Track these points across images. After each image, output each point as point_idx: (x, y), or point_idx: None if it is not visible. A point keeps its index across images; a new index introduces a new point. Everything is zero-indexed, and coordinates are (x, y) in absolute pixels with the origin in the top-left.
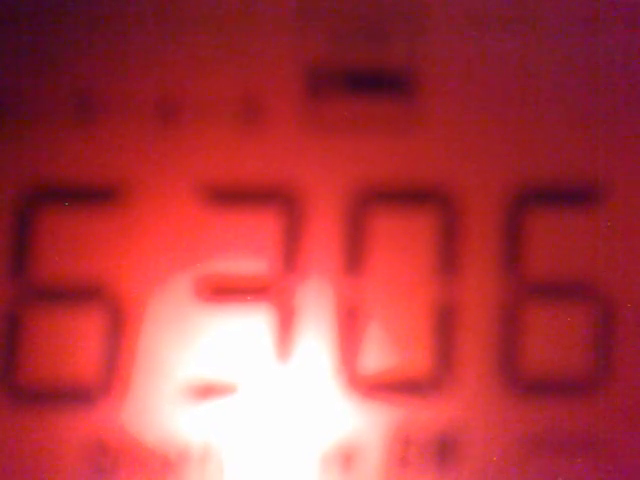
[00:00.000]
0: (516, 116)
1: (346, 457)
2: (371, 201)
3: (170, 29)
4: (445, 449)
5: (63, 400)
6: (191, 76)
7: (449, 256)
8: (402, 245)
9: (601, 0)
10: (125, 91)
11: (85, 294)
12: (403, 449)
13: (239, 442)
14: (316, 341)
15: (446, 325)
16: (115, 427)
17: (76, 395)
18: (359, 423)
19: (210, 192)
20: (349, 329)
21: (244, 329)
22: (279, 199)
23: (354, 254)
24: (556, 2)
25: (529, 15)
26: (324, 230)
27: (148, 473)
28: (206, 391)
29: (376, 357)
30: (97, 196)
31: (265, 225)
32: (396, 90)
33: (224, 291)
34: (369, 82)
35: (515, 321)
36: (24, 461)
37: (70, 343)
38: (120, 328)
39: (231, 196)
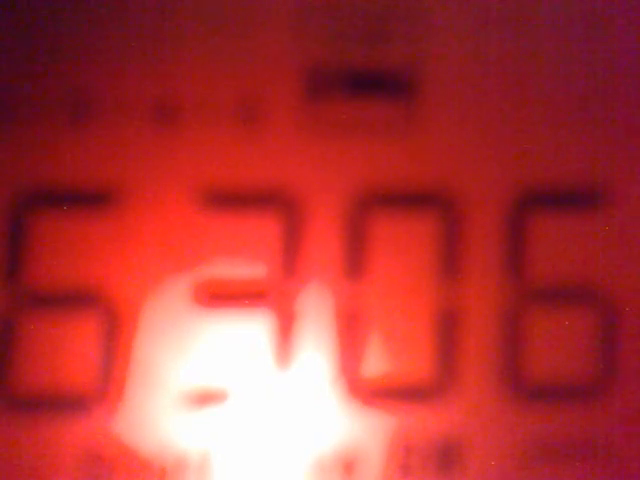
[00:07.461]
0: (517, 119)
1: (347, 465)
2: (371, 204)
3: (168, 30)
4: (447, 456)
5: (58, 407)
6: (189, 78)
7: (451, 260)
8: (403, 249)
9: (601, 0)
10: (122, 93)
11: (81, 299)
12: (404, 456)
13: (237, 450)
14: (316, 347)
15: (448, 330)
16: (111, 435)
17: (71, 402)
18: (360, 430)
19: (208, 195)
20: (350, 335)
21: (243, 335)
22: (278, 202)
23: (354, 258)
24: (557, 3)
25: (530, 17)
26: (324, 234)
27: None
28: (204, 398)
29: (377, 363)
30: (94, 200)
31: (264, 229)
32: (396, 92)
33: (222, 296)
34: (369, 84)
35: (517, 326)
36: (18, 469)
37: (65, 349)
38: (116, 334)
39: (229, 199)
